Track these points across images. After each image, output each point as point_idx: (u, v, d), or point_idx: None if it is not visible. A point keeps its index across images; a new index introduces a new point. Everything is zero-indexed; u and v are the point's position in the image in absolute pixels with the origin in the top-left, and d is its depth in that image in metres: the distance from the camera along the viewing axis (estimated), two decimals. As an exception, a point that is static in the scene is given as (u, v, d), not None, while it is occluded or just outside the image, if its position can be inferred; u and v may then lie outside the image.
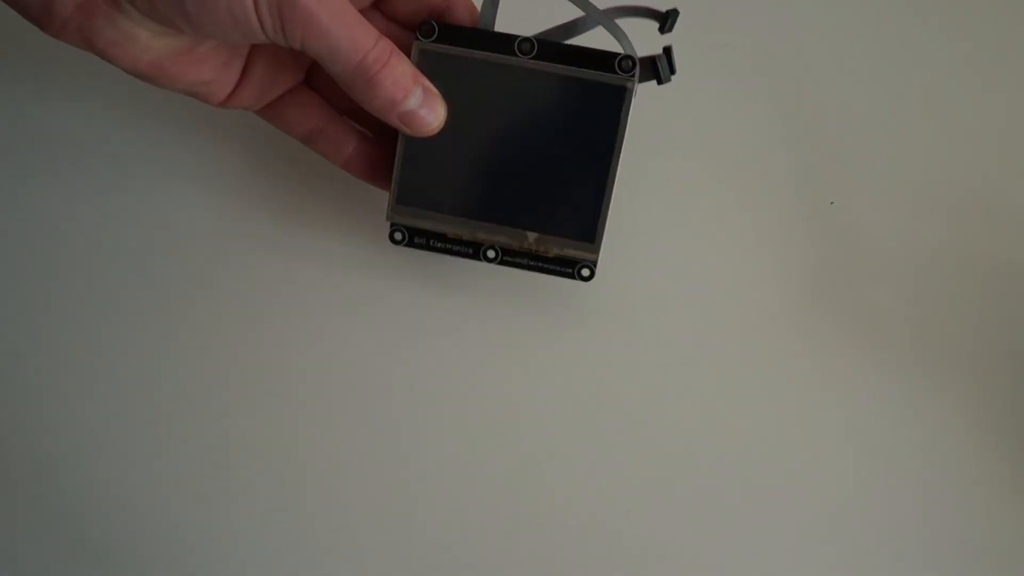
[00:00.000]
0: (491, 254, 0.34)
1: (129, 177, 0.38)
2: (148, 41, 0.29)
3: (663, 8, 0.31)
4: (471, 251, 0.34)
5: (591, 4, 0.32)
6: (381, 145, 0.35)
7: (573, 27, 0.33)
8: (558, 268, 0.34)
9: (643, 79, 0.32)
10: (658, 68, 0.32)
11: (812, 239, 0.37)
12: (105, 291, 0.38)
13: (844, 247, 0.37)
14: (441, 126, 0.32)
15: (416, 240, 0.34)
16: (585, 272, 0.34)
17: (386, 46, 0.30)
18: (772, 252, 0.38)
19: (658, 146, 0.37)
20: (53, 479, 0.37)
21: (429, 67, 0.32)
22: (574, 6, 0.32)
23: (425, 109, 0.32)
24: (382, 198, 0.35)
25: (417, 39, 0.32)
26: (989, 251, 0.37)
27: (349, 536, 0.36)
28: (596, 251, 0.33)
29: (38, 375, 0.38)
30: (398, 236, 0.34)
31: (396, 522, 0.36)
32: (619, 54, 0.32)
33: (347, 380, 0.37)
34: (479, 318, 0.37)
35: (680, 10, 0.31)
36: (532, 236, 0.33)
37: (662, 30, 0.31)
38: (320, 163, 0.35)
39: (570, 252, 0.33)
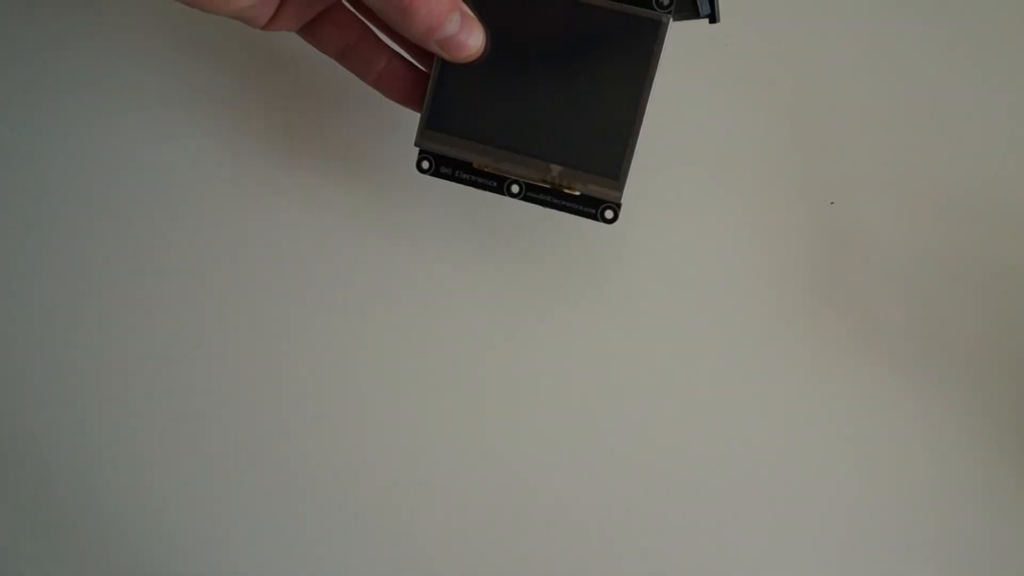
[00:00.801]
0: (515, 189, 0.34)
1: (134, 111, 0.39)
2: None
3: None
4: (495, 184, 0.34)
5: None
6: (412, 65, 0.35)
7: None
8: (581, 208, 0.33)
9: (681, 17, 0.32)
10: (697, 4, 0.31)
11: (812, 239, 0.37)
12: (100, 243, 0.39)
13: (844, 247, 0.37)
14: (480, 52, 0.32)
15: (442, 170, 0.34)
16: (608, 214, 0.33)
17: None
18: (771, 252, 0.37)
19: (658, 146, 0.37)
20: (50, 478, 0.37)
21: None
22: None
23: (463, 34, 0.32)
24: (399, 132, 0.35)
25: None
26: (989, 251, 0.37)
27: (360, 500, 0.36)
28: (620, 189, 0.32)
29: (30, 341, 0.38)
30: (425, 164, 0.34)
31: (404, 493, 0.36)
32: None
33: (351, 335, 0.37)
34: (494, 275, 0.37)
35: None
36: (556, 169, 0.33)
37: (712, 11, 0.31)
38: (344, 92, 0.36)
39: (593, 188, 0.32)
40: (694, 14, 0.32)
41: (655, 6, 0.32)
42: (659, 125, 0.35)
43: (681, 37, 0.35)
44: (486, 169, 0.34)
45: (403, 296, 0.37)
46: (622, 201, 0.33)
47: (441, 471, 0.36)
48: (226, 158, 0.38)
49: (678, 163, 0.38)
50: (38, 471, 0.37)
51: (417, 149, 0.34)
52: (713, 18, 0.32)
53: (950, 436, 0.36)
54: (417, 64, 0.35)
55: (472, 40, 0.32)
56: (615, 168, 0.32)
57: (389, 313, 0.37)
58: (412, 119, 0.34)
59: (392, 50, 0.35)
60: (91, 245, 0.39)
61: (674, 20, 0.32)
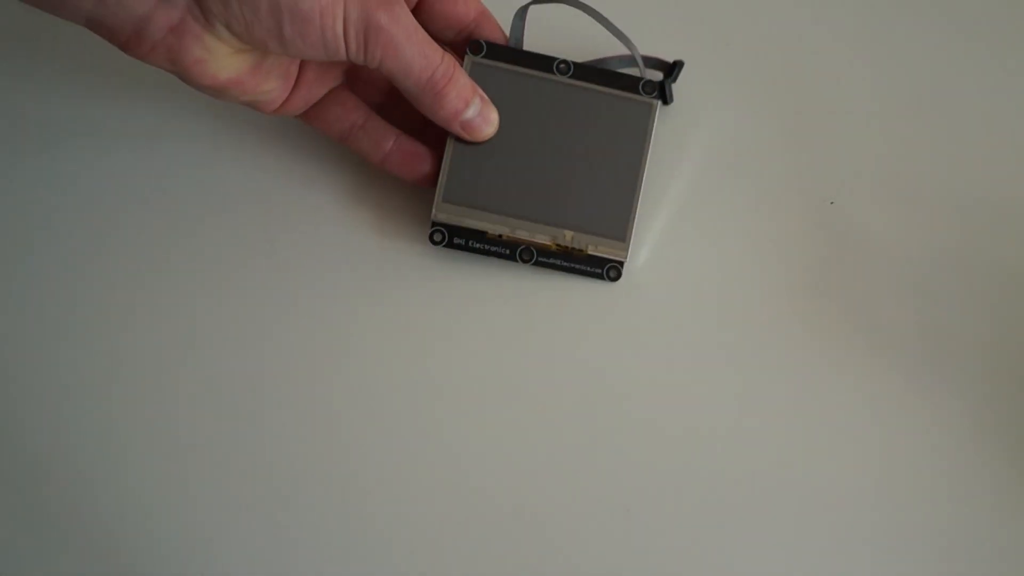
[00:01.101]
0: (526, 256, 0.36)
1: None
2: (228, 58, 0.31)
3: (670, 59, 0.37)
4: (507, 252, 0.36)
5: (632, 43, 0.37)
6: (417, 142, 0.37)
7: (604, 61, 0.38)
8: (588, 269, 0.37)
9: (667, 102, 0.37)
10: (665, 94, 0.37)
11: (812, 239, 0.38)
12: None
13: (844, 247, 0.38)
14: (495, 132, 0.36)
15: (455, 240, 0.36)
16: (612, 273, 0.37)
17: (451, 61, 0.34)
18: (771, 252, 0.38)
19: (658, 145, 0.38)
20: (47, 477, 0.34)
21: (479, 79, 0.36)
22: (591, 25, 0.37)
23: (481, 117, 0.35)
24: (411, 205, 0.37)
25: (468, 55, 0.36)
26: (989, 251, 0.38)
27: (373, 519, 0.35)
28: (626, 249, 0.36)
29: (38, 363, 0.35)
30: (437, 237, 0.36)
31: (419, 522, 0.36)
32: (642, 78, 0.37)
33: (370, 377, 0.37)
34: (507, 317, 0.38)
35: (682, 14, 0.37)
36: (569, 234, 0.36)
37: (666, 79, 0.37)
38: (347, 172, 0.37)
39: (603, 250, 0.36)
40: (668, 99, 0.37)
41: (641, 92, 0.37)
42: (659, 125, 0.38)
43: (681, 37, 0.39)
44: (500, 237, 0.36)
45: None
46: (626, 259, 0.37)
47: (450, 478, 0.36)
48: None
49: (677, 163, 0.39)
50: (36, 472, 0.35)
51: (427, 225, 0.36)
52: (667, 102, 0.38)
53: (953, 435, 0.36)
54: (417, 141, 0.37)
55: (488, 124, 0.36)
56: (622, 230, 0.36)
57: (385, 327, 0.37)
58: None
59: (397, 129, 0.37)
60: (90, 246, 0.37)
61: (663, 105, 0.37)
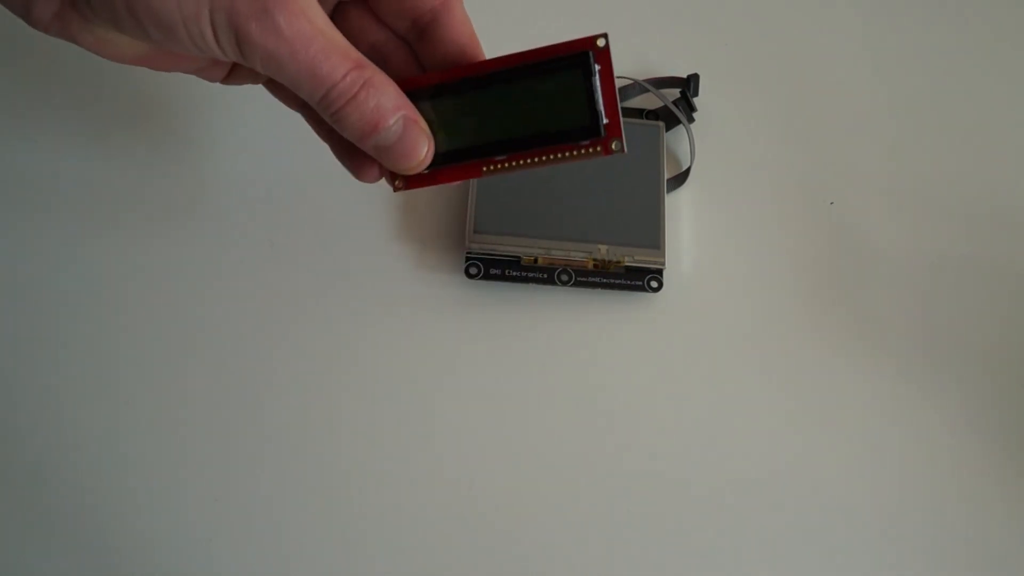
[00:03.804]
0: (564, 277, 0.36)
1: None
2: (129, 42, 0.28)
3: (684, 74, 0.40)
4: (544, 276, 0.36)
5: (640, 83, 0.39)
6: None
7: (621, 94, 0.39)
8: (629, 282, 0.36)
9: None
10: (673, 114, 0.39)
11: (812, 239, 0.38)
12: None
13: (844, 247, 0.38)
14: (427, 162, 0.28)
15: (492, 271, 0.36)
16: (654, 283, 0.36)
17: (356, 79, 0.27)
18: (771, 252, 0.38)
19: (670, 154, 0.39)
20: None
21: None
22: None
23: (401, 145, 0.28)
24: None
25: None
26: (989, 251, 0.38)
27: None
28: (662, 256, 0.36)
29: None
30: (473, 270, 0.36)
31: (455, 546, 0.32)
32: (645, 109, 0.39)
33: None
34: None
35: (682, 18, 0.39)
36: (604, 247, 0.36)
37: (686, 92, 0.39)
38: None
39: (641, 259, 0.36)
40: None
41: (644, 118, 0.39)
42: (682, 137, 0.39)
43: (682, 42, 0.40)
44: (536, 262, 0.36)
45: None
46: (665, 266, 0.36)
47: (508, 514, 0.33)
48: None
49: (676, 163, 0.39)
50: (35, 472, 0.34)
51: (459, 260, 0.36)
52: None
53: (953, 434, 0.35)
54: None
55: (410, 154, 0.28)
56: (655, 239, 0.36)
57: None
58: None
59: None
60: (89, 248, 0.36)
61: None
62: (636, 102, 0.40)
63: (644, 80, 0.39)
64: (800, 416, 0.36)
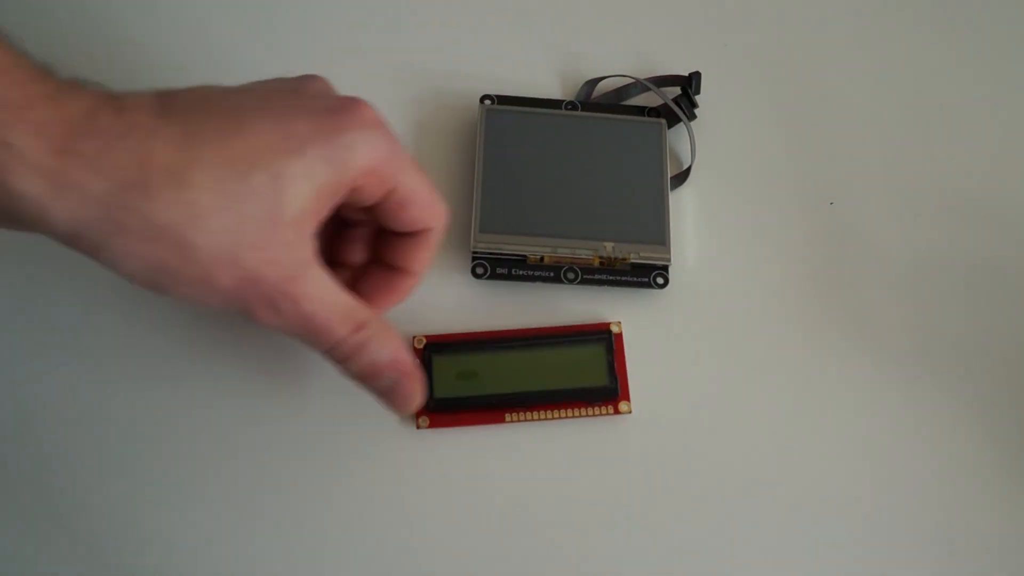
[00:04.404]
0: (571, 275, 0.36)
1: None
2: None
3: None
4: (551, 275, 0.36)
5: (641, 81, 0.40)
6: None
7: (622, 92, 0.40)
8: (635, 279, 0.36)
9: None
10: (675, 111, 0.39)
11: (812, 239, 0.38)
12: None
13: (844, 247, 0.38)
14: (416, 408, 0.32)
15: (498, 271, 0.36)
16: (660, 280, 0.36)
17: (356, 341, 0.29)
18: (771, 252, 0.38)
19: (672, 153, 0.39)
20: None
21: (493, 123, 0.37)
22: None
23: (394, 393, 0.31)
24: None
25: (482, 103, 0.38)
26: (989, 251, 0.38)
27: None
28: (669, 252, 0.36)
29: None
30: (479, 270, 0.36)
31: None
32: (647, 106, 0.39)
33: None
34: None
35: (681, 18, 0.39)
36: (609, 245, 0.36)
37: (687, 91, 0.39)
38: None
39: (646, 255, 0.36)
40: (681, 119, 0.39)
41: (646, 116, 0.39)
42: (684, 137, 0.39)
43: (681, 43, 0.41)
44: (542, 260, 0.36)
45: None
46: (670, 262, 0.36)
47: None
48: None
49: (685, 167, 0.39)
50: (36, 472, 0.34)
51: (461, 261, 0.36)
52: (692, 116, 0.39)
53: (953, 434, 0.35)
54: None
55: (402, 403, 0.31)
56: (660, 235, 0.36)
57: None
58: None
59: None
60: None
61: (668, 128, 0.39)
62: (637, 100, 0.40)
63: (645, 78, 0.39)
64: (806, 411, 0.36)
